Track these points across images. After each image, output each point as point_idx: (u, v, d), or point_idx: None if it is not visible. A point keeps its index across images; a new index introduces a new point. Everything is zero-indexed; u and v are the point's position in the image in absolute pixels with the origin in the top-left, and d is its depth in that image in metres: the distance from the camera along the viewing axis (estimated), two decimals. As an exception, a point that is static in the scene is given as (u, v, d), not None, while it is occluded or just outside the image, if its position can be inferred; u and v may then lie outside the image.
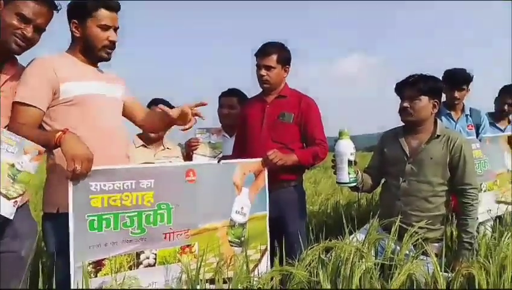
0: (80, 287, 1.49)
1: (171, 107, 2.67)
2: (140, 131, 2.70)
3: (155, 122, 2.11)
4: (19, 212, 1.60)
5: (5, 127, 1.59)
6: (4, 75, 1.64)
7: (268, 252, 2.06)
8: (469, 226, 2.11)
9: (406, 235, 1.92)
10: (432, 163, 2.17)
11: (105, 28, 1.79)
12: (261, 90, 2.53)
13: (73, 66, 1.79)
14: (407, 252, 1.88)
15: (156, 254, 1.72)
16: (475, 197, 2.15)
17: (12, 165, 1.44)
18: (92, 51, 1.81)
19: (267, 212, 2.10)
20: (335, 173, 2.14)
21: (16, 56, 1.71)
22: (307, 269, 1.70)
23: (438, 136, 2.20)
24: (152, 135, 2.65)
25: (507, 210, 2.72)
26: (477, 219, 2.25)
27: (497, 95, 3.47)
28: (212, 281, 1.77)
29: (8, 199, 1.43)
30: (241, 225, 1.99)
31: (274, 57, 2.39)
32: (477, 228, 2.30)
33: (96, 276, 1.57)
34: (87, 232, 1.57)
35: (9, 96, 1.64)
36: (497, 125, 3.39)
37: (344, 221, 1.95)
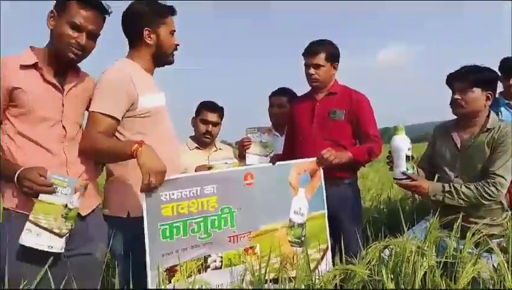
0: None
1: (217, 109, 2.71)
2: (193, 133, 2.80)
3: None
4: (91, 216, 1.74)
5: (76, 134, 1.71)
6: (68, 84, 1.70)
7: (329, 251, 2.08)
8: (468, 195, 2.04)
9: (468, 232, 1.88)
10: (482, 157, 2.09)
11: (173, 33, 1.92)
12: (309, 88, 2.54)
13: (144, 77, 1.86)
14: (470, 249, 1.84)
15: (222, 257, 1.79)
16: (497, 190, 2.01)
17: (65, 206, 1.55)
18: (162, 57, 1.92)
19: (325, 211, 2.12)
20: (391, 169, 2.13)
21: (77, 64, 1.76)
22: (367, 267, 1.72)
23: (488, 129, 2.11)
24: (206, 139, 2.72)
25: None
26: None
27: None
28: (275, 280, 1.83)
29: (61, 236, 1.56)
30: (300, 225, 2.02)
31: (322, 55, 2.39)
32: None
33: (170, 282, 1.66)
34: (160, 242, 1.66)
35: (74, 104, 1.71)
36: None
37: (402, 218, 1.93)
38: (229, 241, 1.82)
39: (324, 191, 2.13)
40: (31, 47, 1.67)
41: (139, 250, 1.63)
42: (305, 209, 2.05)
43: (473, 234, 1.90)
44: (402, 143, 2.05)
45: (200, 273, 1.74)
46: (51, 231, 1.53)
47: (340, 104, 2.43)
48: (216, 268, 1.78)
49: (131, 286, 1.50)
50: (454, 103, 2.16)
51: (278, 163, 2.05)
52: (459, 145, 2.18)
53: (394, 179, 2.12)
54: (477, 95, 2.10)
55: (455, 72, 2.18)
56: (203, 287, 1.70)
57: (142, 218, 1.65)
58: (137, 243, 1.65)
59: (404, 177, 2.06)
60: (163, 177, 1.63)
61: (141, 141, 1.66)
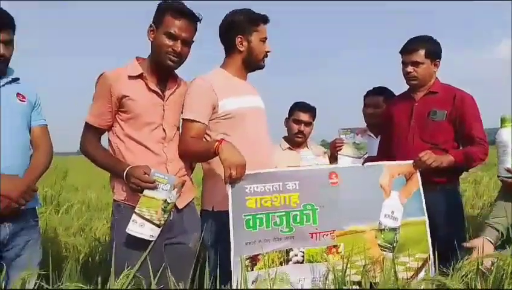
0: (239, 278, 1.67)
1: (310, 109, 2.74)
2: (286, 134, 2.86)
3: None
4: (186, 209, 1.93)
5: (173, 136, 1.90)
6: (168, 90, 1.90)
7: (431, 261, 1.92)
8: None
9: None
10: None
11: (264, 40, 2.03)
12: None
13: (228, 83, 2.00)
14: None
15: (303, 252, 1.82)
16: None
17: (165, 200, 1.74)
18: (253, 63, 2.05)
19: (426, 218, 1.98)
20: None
21: (175, 72, 1.94)
22: (463, 280, 1.58)
23: None
24: (298, 138, 2.76)
25: None
26: None
27: None
28: (359, 283, 1.79)
29: (159, 227, 1.75)
30: (393, 229, 1.94)
31: (421, 52, 2.26)
32: None
33: (252, 269, 1.75)
34: (244, 230, 1.77)
35: (173, 109, 1.90)
36: None
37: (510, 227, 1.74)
38: (311, 237, 1.84)
39: (423, 197, 2.00)
40: (136, 58, 1.92)
41: (225, 241, 1.75)
42: (399, 214, 1.95)
43: None
44: (508, 136, 1.86)
45: (281, 265, 1.79)
46: (152, 222, 1.74)
47: (441, 104, 2.27)
48: (298, 262, 1.82)
49: (218, 274, 1.61)
50: None
51: (367, 164, 2.01)
52: None
53: (498, 176, 1.93)
54: None
55: None
56: (284, 279, 1.74)
57: (225, 212, 1.77)
58: (222, 235, 1.78)
59: (509, 175, 1.86)
60: (244, 170, 1.74)
61: (221, 139, 1.81)
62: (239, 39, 1.99)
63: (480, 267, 1.60)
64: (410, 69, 2.28)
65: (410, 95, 2.38)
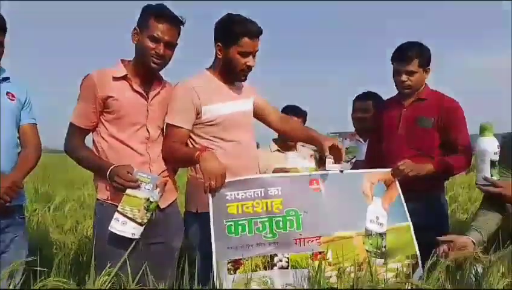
0: (221, 281, 1.69)
1: (301, 113, 2.74)
2: (276, 136, 2.87)
3: (296, 134, 2.24)
4: (169, 209, 1.95)
5: (158, 136, 1.94)
6: (152, 91, 1.92)
7: (420, 267, 1.91)
8: None
9: None
10: None
11: (246, 54, 1.94)
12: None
13: (212, 88, 1.99)
14: None
15: (288, 258, 1.82)
16: None
17: (147, 199, 1.76)
18: (230, 73, 2.00)
19: (410, 223, 1.98)
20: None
21: (160, 74, 1.97)
22: (438, 281, 1.59)
23: None
24: (290, 143, 2.76)
25: None
26: None
27: None
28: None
29: (142, 225, 1.77)
30: (379, 234, 1.93)
31: (416, 61, 2.25)
32: None
33: (235, 273, 1.76)
34: (226, 235, 1.77)
35: (157, 110, 1.92)
36: None
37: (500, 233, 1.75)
38: (295, 243, 1.83)
39: (404, 203, 2.00)
40: (121, 60, 1.94)
41: (209, 242, 1.76)
42: (384, 219, 1.95)
43: None
44: (487, 145, 1.86)
45: (266, 269, 1.79)
46: (134, 221, 1.76)
47: (429, 111, 2.28)
48: (282, 268, 1.81)
49: (196, 275, 1.63)
50: None
51: (346, 171, 2.00)
52: None
53: (476, 184, 1.94)
54: None
55: None
56: (268, 283, 1.74)
57: (209, 213, 1.78)
58: (206, 236, 1.79)
59: (487, 183, 1.87)
60: (224, 179, 1.76)
61: (203, 147, 1.84)
62: (218, 47, 1.98)
63: (451, 264, 1.62)
64: (404, 78, 2.27)
65: (399, 101, 2.38)
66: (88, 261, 2.84)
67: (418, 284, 1.56)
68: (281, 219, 1.83)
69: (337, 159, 1.92)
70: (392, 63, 2.34)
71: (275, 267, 1.81)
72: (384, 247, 1.92)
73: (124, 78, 1.87)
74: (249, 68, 1.98)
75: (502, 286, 1.52)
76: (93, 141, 1.92)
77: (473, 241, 1.80)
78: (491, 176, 1.87)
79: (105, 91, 1.83)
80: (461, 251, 1.75)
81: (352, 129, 2.88)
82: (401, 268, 1.89)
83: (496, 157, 1.86)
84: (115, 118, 1.85)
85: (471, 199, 4.95)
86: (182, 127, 1.93)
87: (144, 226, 1.78)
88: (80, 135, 1.90)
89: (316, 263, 1.79)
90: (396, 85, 2.35)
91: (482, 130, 1.89)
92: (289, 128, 2.23)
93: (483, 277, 1.56)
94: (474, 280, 1.63)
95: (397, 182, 2.04)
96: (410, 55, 2.25)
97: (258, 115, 2.17)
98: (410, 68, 2.25)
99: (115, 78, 1.85)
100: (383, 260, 1.88)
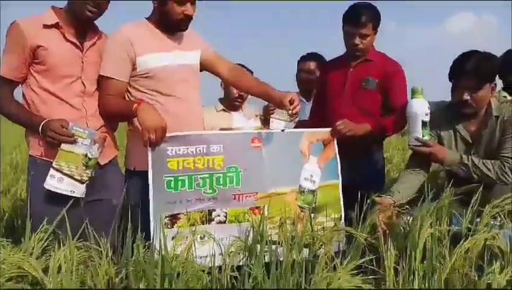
0: (158, 235, 1.66)
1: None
2: (222, 96, 2.84)
3: (251, 88, 2.13)
4: (109, 166, 1.90)
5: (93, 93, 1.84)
6: (87, 42, 1.82)
7: (342, 221, 2.05)
8: (485, 173, 1.94)
9: (487, 206, 1.80)
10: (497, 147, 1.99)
11: (182, 2, 1.82)
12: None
13: (149, 37, 1.88)
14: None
15: (226, 213, 1.87)
16: None
17: (85, 155, 1.71)
18: (167, 24, 1.88)
19: (339, 181, 2.08)
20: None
21: (95, 23, 1.86)
22: (371, 231, 1.71)
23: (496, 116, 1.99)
24: (237, 102, 2.73)
25: None
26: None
27: None
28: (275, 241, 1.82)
29: (82, 183, 1.73)
30: (312, 191, 2.02)
31: (370, 25, 2.24)
32: None
33: (172, 227, 1.79)
34: (164, 191, 1.78)
35: (93, 62, 1.82)
36: None
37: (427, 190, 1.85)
38: (234, 198, 1.88)
39: (339, 162, 2.09)
40: (52, 7, 1.81)
41: (147, 200, 1.75)
42: (317, 177, 2.04)
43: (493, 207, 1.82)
44: (418, 107, 1.96)
45: (203, 224, 1.83)
46: (72, 178, 1.70)
47: (374, 73, 2.32)
48: (220, 222, 1.86)
49: (139, 232, 1.62)
50: (464, 104, 1.98)
51: (287, 130, 2.05)
52: (469, 139, 2.05)
53: (408, 145, 2.06)
54: (487, 90, 1.96)
55: (462, 65, 1.96)
56: (206, 236, 1.77)
57: (146, 172, 1.76)
58: (144, 194, 1.78)
59: (418, 143, 1.99)
60: (164, 133, 1.72)
61: (140, 99, 1.78)
62: None
63: (378, 224, 1.73)
64: (358, 41, 2.26)
65: (346, 61, 2.39)
66: (23, 224, 2.74)
67: (353, 230, 1.66)
68: (221, 175, 1.86)
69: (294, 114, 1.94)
70: (343, 25, 2.32)
71: (213, 222, 1.85)
72: (315, 203, 2.02)
73: (56, 26, 1.75)
74: (188, 17, 1.87)
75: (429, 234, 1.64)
76: (23, 94, 1.81)
77: (394, 201, 1.94)
78: (423, 136, 1.98)
79: (34, 40, 1.70)
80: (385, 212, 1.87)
81: (296, 90, 2.91)
82: (328, 222, 1.99)
83: (427, 119, 1.97)
84: (45, 69, 1.74)
85: (404, 160, 5.25)
86: (117, 79, 1.83)
87: (85, 184, 1.73)
88: (8, 88, 1.77)
89: (254, 217, 1.87)
90: (347, 47, 2.35)
91: (413, 92, 1.99)
92: (241, 80, 2.11)
93: (411, 228, 1.68)
94: (403, 230, 1.75)
95: (335, 142, 2.10)
96: (365, 19, 2.22)
97: (206, 66, 2.08)
98: (364, 32, 2.24)
99: (46, 26, 1.73)
100: (313, 215, 1.97)
